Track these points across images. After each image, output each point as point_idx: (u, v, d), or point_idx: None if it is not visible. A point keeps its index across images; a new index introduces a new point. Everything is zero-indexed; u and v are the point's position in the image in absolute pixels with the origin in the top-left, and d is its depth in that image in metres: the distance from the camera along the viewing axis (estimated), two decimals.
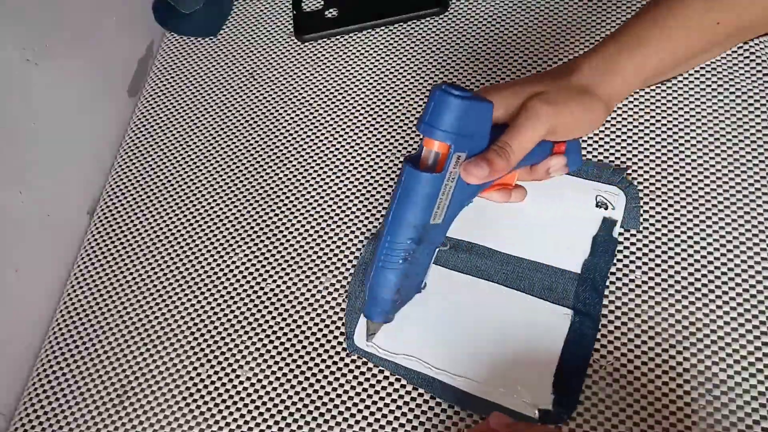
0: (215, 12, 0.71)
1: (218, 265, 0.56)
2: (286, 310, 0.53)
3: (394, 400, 0.48)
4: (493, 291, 0.50)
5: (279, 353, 0.51)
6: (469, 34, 0.65)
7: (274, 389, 0.50)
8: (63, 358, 0.54)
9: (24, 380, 0.55)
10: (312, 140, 0.61)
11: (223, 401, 0.50)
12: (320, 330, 0.51)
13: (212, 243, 0.57)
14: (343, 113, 0.62)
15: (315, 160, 0.60)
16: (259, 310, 0.53)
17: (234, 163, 0.61)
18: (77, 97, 0.61)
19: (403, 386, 0.48)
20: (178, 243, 0.58)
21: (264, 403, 0.49)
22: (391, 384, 0.48)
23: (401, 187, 0.40)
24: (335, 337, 0.51)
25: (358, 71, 0.65)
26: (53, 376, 0.53)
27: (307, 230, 0.56)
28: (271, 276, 0.55)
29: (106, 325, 0.55)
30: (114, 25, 0.66)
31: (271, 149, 0.61)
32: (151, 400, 0.51)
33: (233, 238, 0.57)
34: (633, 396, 0.45)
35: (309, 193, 0.58)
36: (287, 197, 0.58)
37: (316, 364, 0.50)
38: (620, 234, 0.51)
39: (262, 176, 0.60)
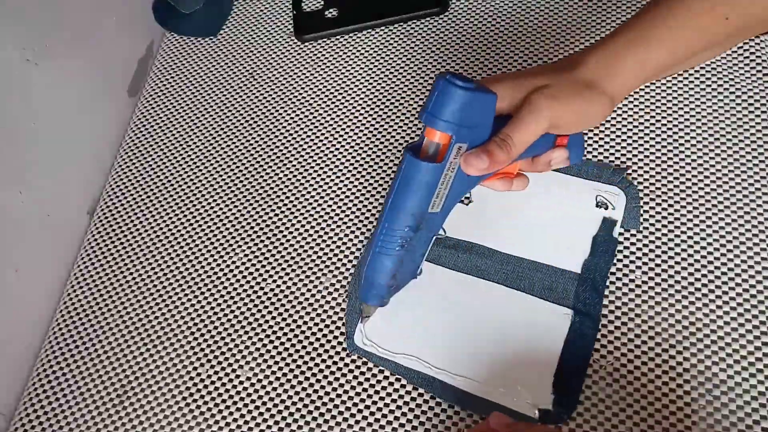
0: (215, 12, 0.71)
1: (218, 265, 0.56)
2: (286, 310, 0.53)
3: (394, 400, 0.48)
4: (493, 291, 0.50)
5: (279, 353, 0.51)
6: (469, 33, 0.65)
7: (274, 389, 0.50)
8: (63, 358, 0.54)
9: (24, 380, 0.55)
10: (312, 140, 0.61)
11: (223, 401, 0.50)
12: (320, 330, 0.51)
13: (212, 243, 0.57)
14: (343, 113, 0.62)
15: (315, 160, 0.60)
16: (259, 310, 0.53)
17: (234, 163, 0.61)
18: (77, 97, 0.61)
19: (403, 386, 0.48)
20: (178, 243, 0.58)
21: (264, 403, 0.49)
22: (391, 384, 0.48)
23: (401, 175, 0.40)
24: (335, 337, 0.51)
25: (358, 71, 0.65)
26: (53, 376, 0.53)
27: (307, 230, 0.56)
28: (271, 276, 0.55)
29: (106, 325, 0.55)
30: (114, 25, 0.66)
31: (271, 149, 0.61)
32: (151, 400, 0.51)
33: (233, 238, 0.57)
34: (633, 396, 0.45)
35: (309, 193, 0.58)
36: (287, 197, 0.58)
37: (316, 364, 0.50)
38: (620, 234, 0.51)
39: (262, 176, 0.60)
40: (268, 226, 0.57)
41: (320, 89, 0.64)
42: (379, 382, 0.49)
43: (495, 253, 0.51)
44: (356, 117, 0.62)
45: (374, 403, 0.48)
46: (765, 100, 0.55)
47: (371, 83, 0.64)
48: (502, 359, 0.47)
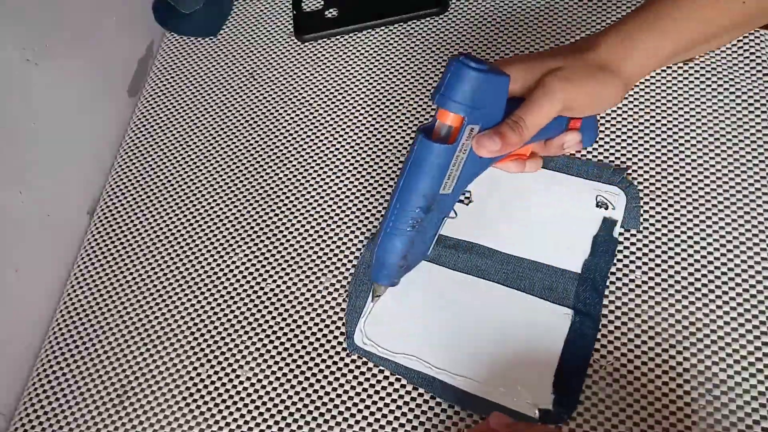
0: (215, 12, 0.71)
1: (218, 265, 0.56)
2: (286, 310, 0.53)
3: (394, 400, 0.48)
4: (494, 291, 0.50)
5: (279, 353, 0.51)
6: (469, 34, 0.65)
7: (274, 389, 0.50)
8: (63, 358, 0.54)
9: (24, 380, 0.55)
10: (312, 140, 0.61)
11: (223, 401, 0.50)
12: (320, 330, 0.51)
13: (212, 243, 0.57)
14: (343, 113, 0.62)
15: (315, 160, 0.60)
16: (259, 310, 0.53)
17: (234, 163, 0.61)
18: (77, 97, 0.61)
19: (403, 386, 0.48)
20: (178, 243, 0.58)
21: (264, 403, 0.49)
22: (391, 384, 0.48)
23: (413, 156, 0.40)
24: (335, 337, 0.51)
25: (358, 71, 0.65)
26: (53, 376, 0.53)
27: (307, 230, 0.56)
28: (271, 276, 0.55)
29: (106, 325, 0.55)
30: (114, 25, 0.66)
31: (271, 149, 0.61)
32: (151, 400, 0.51)
33: (233, 238, 0.57)
34: (633, 396, 0.45)
35: (309, 193, 0.58)
36: (287, 197, 0.58)
37: (316, 364, 0.50)
38: (620, 234, 0.51)
39: (262, 176, 0.60)
40: (268, 226, 0.57)
41: (320, 89, 0.64)
42: (379, 382, 0.49)
43: (495, 253, 0.51)
44: (356, 117, 0.62)
45: (374, 403, 0.48)
46: (765, 100, 0.55)
47: (371, 83, 0.64)
48: (502, 359, 0.47)
